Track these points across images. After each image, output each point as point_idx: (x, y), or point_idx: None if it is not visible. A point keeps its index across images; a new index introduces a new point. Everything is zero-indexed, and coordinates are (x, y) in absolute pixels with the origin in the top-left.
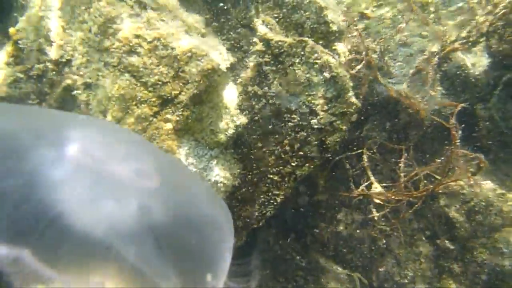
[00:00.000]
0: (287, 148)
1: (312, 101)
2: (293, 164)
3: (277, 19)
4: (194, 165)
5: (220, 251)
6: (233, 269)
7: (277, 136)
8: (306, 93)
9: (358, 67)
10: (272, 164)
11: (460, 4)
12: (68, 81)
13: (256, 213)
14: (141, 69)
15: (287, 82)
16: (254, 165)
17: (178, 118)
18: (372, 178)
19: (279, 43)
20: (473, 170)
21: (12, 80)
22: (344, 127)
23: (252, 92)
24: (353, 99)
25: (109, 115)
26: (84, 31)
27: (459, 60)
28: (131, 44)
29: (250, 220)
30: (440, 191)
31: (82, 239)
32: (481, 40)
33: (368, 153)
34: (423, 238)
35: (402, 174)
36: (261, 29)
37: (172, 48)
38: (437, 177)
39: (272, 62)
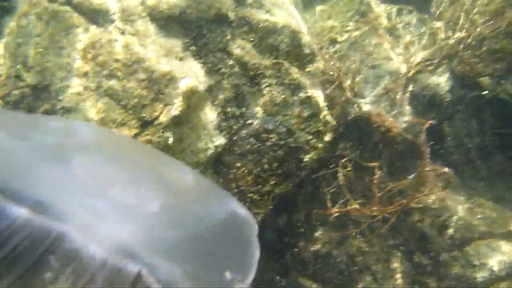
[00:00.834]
0: (266, 167)
1: (289, 121)
2: (272, 182)
3: (252, 43)
4: None
5: (242, 248)
6: None
7: (255, 155)
8: (283, 113)
9: (331, 87)
10: (251, 183)
11: (423, 29)
12: (47, 106)
13: None
14: (121, 92)
15: (264, 103)
16: (234, 184)
17: (158, 139)
18: (348, 195)
19: (255, 65)
20: (443, 184)
21: None
22: (320, 145)
23: (230, 113)
24: (329, 118)
25: None
26: (63, 57)
27: (425, 80)
28: (110, 68)
29: None
30: (413, 206)
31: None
32: (444, 62)
33: (343, 171)
34: (399, 254)
35: (376, 191)
36: (237, 52)
37: (152, 71)
38: (410, 192)
39: (249, 83)
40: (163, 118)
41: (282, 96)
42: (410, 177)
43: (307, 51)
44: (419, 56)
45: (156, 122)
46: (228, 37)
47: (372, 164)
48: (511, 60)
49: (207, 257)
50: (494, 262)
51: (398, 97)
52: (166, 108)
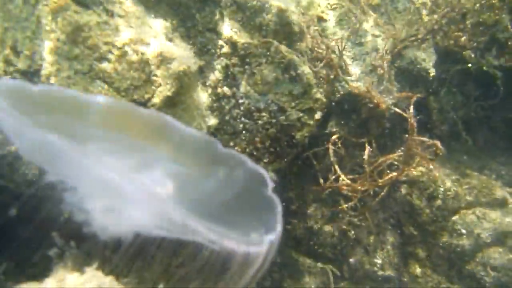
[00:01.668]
0: (259, 145)
1: (280, 99)
2: (265, 160)
3: (241, 23)
4: None
5: (265, 204)
6: None
7: (248, 134)
8: (274, 91)
9: (320, 65)
10: None
11: (408, 5)
12: None
13: None
14: (113, 75)
15: (254, 82)
16: None
17: None
18: (339, 171)
19: (245, 45)
20: (430, 156)
21: None
22: (311, 122)
23: (222, 93)
24: (319, 95)
25: None
26: (52, 40)
27: (411, 56)
28: (101, 51)
29: None
30: (402, 180)
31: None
32: (428, 37)
33: (333, 147)
34: (389, 227)
35: (366, 165)
36: (227, 33)
37: (142, 53)
38: (399, 165)
39: (239, 63)
40: (155, 100)
41: (273, 75)
42: (399, 151)
43: (295, 29)
44: (404, 32)
45: (149, 104)
46: (217, 17)
47: (361, 140)
48: (494, 33)
49: (235, 218)
50: (481, 230)
51: (385, 73)
52: (158, 89)
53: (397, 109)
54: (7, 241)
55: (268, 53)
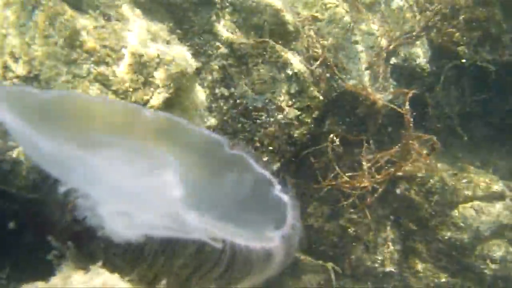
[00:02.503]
0: (258, 144)
1: (277, 98)
2: (264, 159)
3: (237, 23)
4: None
5: (274, 203)
6: None
7: (246, 134)
8: (271, 90)
9: (316, 63)
10: None
11: (401, 3)
12: None
13: None
14: (111, 78)
15: (252, 81)
16: None
17: None
18: (338, 169)
19: (242, 45)
20: (427, 151)
21: None
22: (309, 120)
23: (220, 93)
24: (316, 93)
25: None
26: (50, 45)
27: (405, 53)
28: (98, 55)
29: None
30: (400, 176)
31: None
32: (422, 34)
33: (331, 145)
34: (389, 223)
35: (364, 162)
36: (223, 33)
37: (140, 55)
38: (397, 161)
39: (236, 63)
40: (154, 101)
41: (270, 74)
42: (396, 146)
43: (291, 28)
44: (398, 30)
45: (148, 106)
46: (213, 19)
47: (358, 138)
48: (487, 28)
49: (247, 217)
50: (480, 223)
51: (380, 70)
52: (156, 91)
53: (393, 106)
54: (10, 245)
55: (264, 53)
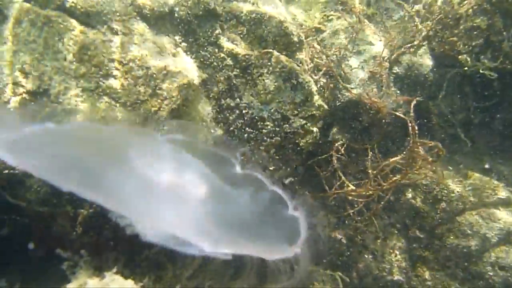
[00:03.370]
0: (264, 154)
1: (283, 108)
2: (270, 168)
3: (241, 35)
4: None
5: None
6: None
7: (253, 143)
8: (276, 100)
9: (320, 73)
10: None
11: (402, 13)
12: (48, 110)
13: None
14: (119, 90)
15: (257, 92)
16: None
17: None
18: (343, 178)
19: (246, 56)
20: (433, 158)
21: None
22: (315, 129)
23: (226, 104)
24: (320, 102)
25: None
26: (59, 61)
27: (408, 62)
28: (107, 68)
29: None
30: (405, 184)
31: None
32: (424, 43)
33: (336, 155)
34: (395, 231)
35: (370, 171)
36: (228, 45)
37: (147, 68)
38: (403, 168)
39: (241, 74)
40: (162, 113)
41: (275, 84)
42: (401, 154)
43: (294, 39)
44: (401, 40)
45: (155, 117)
46: (217, 31)
47: (363, 146)
48: (487, 36)
49: (261, 231)
50: (487, 230)
51: (383, 79)
52: (164, 102)
53: (397, 114)
54: (21, 258)
55: (269, 63)
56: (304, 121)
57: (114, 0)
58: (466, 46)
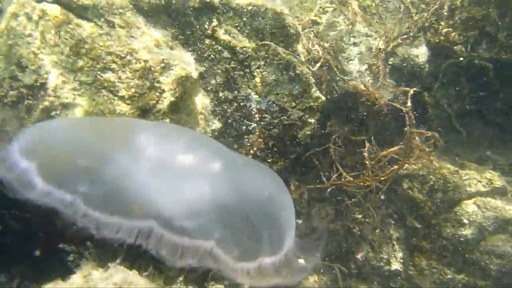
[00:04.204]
0: (262, 146)
1: (281, 100)
2: (269, 160)
3: (238, 28)
4: None
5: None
6: None
7: (251, 135)
8: (274, 92)
9: (317, 65)
10: None
11: (397, 5)
12: (46, 103)
13: None
14: (117, 84)
15: (255, 84)
16: None
17: None
18: (341, 169)
19: (244, 48)
20: (430, 148)
21: None
22: (312, 120)
23: (224, 97)
24: (318, 93)
25: None
26: (56, 54)
27: (404, 53)
28: (104, 62)
29: None
30: (402, 175)
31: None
32: (420, 34)
33: (334, 147)
34: (393, 222)
35: (367, 161)
36: (225, 38)
37: (145, 61)
38: (400, 159)
39: (239, 67)
40: (160, 106)
41: (272, 76)
42: (399, 144)
43: (291, 31)
44: (396, 31)
45: (154, 110)
46: (214, 24)
47: (360, 138)
48: (483, 27)
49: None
50: (483, 219)
51: (380, 71)
52: (162, 95)
53: (395, 104)
54: (23, 253)
55: (266, 55)
56: (302, 113)
57: None
58: (462, 37)
